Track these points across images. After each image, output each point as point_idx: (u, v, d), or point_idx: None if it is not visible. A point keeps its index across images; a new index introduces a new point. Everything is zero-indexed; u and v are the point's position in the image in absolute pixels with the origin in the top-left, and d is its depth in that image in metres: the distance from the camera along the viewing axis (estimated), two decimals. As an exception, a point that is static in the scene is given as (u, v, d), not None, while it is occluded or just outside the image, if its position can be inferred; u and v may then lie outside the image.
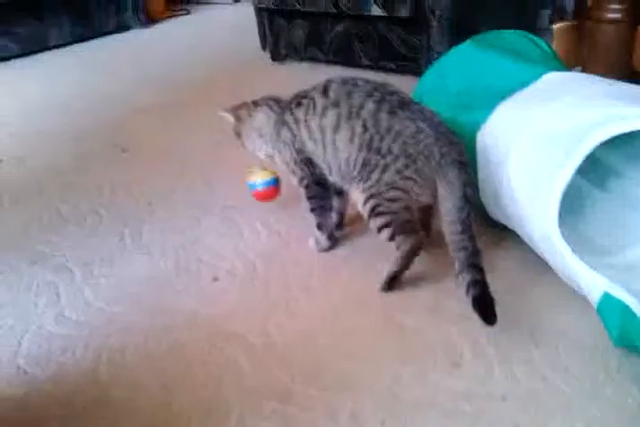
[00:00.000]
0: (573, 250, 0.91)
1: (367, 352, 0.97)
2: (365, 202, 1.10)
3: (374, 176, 1.07)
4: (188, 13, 3.67)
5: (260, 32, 2.60)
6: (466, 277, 0.98)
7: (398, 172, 1.05)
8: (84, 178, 1.64)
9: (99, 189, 1.57)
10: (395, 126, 1.05)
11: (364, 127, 1.07)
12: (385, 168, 1.06)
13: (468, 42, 1.38)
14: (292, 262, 1.21)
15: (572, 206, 1.07)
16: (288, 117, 1.18)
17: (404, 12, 2.03)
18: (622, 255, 1.09)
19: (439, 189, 1.04)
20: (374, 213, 1.09)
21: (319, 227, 1.22)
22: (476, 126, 1.15)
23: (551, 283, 1.05)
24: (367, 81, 1.13)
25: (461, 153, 1.05)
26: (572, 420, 0.82)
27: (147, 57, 2.84)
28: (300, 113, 1.16)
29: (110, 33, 3.23)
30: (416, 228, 1.10)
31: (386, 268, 1.10)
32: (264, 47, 2.62)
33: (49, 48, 2.98)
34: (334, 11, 2.21)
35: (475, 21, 2.11)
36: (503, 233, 1.19)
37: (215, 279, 1.18)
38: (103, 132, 1.97)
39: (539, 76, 1.16)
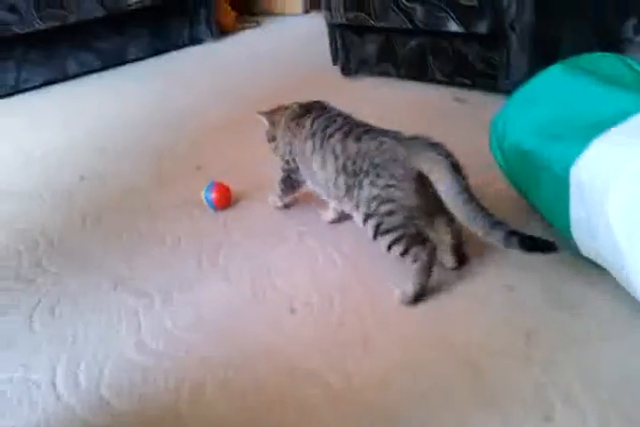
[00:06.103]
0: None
1: (447, 396, 0.93)
2: (365, 223, 1.15)
3: (357, 195, 1.15)
4: (258, 25, 3.70)
5: (331, 46, 2.59)
6: (497, 234, 1.00)
7: (373, 184, 1.11)
8: (162, 196, 1.67)
9: (176, 209, 1.59)
10: (361, 148, 1.15)
11: (334, 154, 1.20)
12: (361, 185, 1.14)
13: (557, 65, 1.32)
14: (368, 295, 1.18)
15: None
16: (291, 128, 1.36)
17: (482, 28, 1.98)
18: None
19: (429, 176, 1.05)
20: (379, 232, 1.12)
21: (283, 192, 1.45)
22: (568, 160, 1.09)
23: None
24: (345, 117, 1.29)
25: (428, 139, 1.10)
26: None
27: (218, 70, 2.88)
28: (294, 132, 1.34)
29: (185, 46, 3.29)
30: (425, 237, 1.11)
31: (408, 285, 1.11)
32: (335, 61, 2.61)
33: (127, 62, 3.06)
34: (409, 26, 2.17)
35: (554, 36, 2.03)
36: (597, 274, 1.13)
37: (293, 311, 1.16)
38: (178, 148, 2.00)
39: (640, 106, 1.09)
